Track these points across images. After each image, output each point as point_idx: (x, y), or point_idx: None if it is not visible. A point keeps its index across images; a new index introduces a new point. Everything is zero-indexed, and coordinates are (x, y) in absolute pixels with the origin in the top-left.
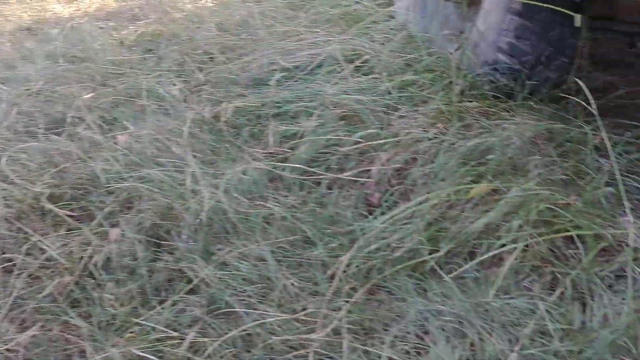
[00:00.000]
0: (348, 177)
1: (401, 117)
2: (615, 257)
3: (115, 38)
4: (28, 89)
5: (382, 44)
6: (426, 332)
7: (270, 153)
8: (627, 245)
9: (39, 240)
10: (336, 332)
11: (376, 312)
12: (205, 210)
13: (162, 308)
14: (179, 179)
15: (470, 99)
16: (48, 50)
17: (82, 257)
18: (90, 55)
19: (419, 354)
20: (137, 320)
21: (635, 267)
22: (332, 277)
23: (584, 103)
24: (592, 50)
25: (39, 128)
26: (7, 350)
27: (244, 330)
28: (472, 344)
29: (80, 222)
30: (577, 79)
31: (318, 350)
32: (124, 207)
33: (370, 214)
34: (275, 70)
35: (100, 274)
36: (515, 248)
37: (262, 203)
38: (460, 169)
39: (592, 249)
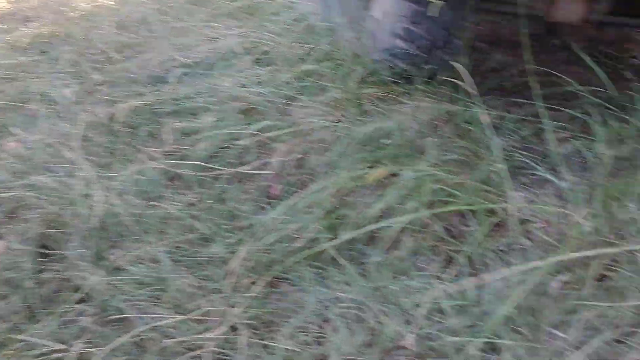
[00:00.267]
0: (247, 171)
1: (301, 107)
2: (508, 232)
3: (8, 41)
4: None
5: (282, 35)
6: (326, 321)
7: (169, 151)
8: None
9: None
10: (234, 328)
11: (277, 304)
12: (97, 214)
13: (51, 320)
14: (70, 185)
15: (370, 86)
16: None
17: None
18: None
19: (319, 343)
20: (19, 337)
21: (525, 238)
22: (231, 273)
23: (461, 83)
24: (491, 32)
25: None
26: None
27: (137, 336)
28: (371, 329)
29: None
30: (456, 62)
31: (215, 349)
32: (9, 218)
33: (271, 206)
34: (175, 66)
35: None
36: (411, 229)
37: (157, 203)
38: (358, 154)
39: (484, 225)
